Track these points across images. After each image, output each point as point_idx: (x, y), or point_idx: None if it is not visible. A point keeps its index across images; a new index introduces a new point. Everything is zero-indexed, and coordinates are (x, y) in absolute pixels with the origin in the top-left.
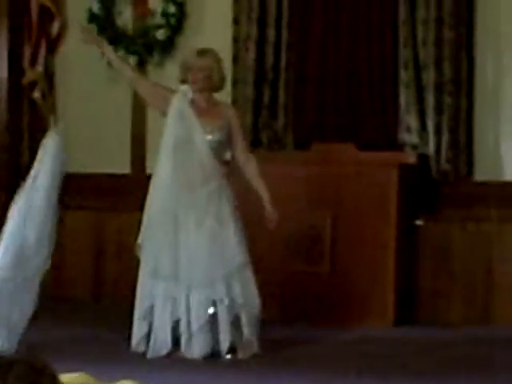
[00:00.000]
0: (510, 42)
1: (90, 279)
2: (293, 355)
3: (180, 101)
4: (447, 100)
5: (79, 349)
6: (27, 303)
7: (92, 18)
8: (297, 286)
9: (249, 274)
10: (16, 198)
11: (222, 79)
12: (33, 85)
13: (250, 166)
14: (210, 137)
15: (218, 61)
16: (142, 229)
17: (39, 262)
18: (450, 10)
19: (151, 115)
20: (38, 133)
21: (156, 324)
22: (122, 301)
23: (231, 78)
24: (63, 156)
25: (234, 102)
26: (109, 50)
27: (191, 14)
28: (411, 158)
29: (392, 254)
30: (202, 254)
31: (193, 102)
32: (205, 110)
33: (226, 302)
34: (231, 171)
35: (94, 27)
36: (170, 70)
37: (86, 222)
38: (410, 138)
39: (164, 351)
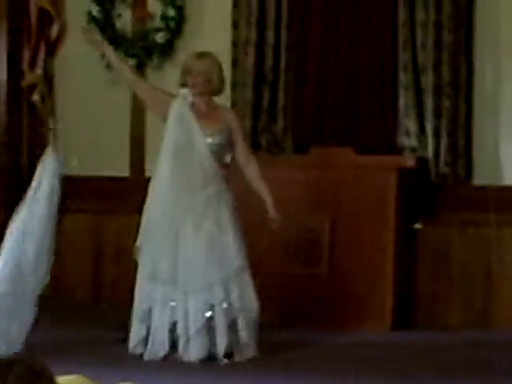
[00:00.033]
0: (509, 46)
1: (88, 282)
2: (291, 358)
3: (180, 104)
4: (446, 103)
5: (77, 351)
6: (26, 317)
7: (91, 20)
8: (295, 289)
9: (247, 278)
10: (15, 214)
11: (222, 82)
12: (32, 87)
13: (250, 168)
14: (210, 140)
15: (218, 64)
16: (141, 232)
17: (38, 277)
18: (450, 13)
19: (150, 118)
20: (37, 135)
21: (154, 327)
22: (120, 303)
23: (230, 81)
24: (60, 173)
25: (233, 105)
26: (109, 50)
27: (190, 18)
28: (410, 161)
29: (390, 258)
30: (199, 258)
31: (193, 106)
32: (205, 113)
33: (224, 306)
34: (231, 174)
35: (94, 27)
36: (170, 74)
37: (85, 225)
38: (409, 141)
39: (161, 353)
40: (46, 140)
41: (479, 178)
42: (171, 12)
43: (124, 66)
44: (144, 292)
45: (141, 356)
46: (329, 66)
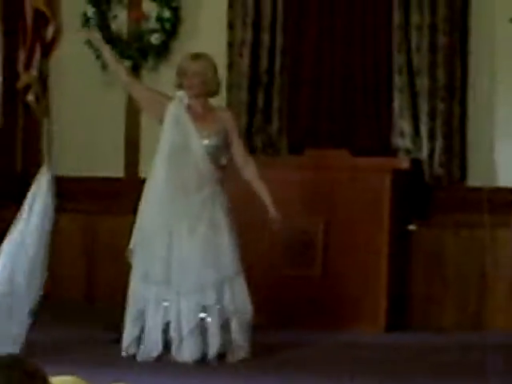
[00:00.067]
0: (503, 49)
1: (82, 282)
2: (284, 359)
3: (176, 107)
4: (441, 106)
5: (71, 351)
6: (26, 317)
7: (87, 22)
8: (289, 290)
9: (241, 281)
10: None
11: (217, 84)
12: (27, 88)
13: (248, 169)
14: (206, 142)
15: (213, 65)
16: (134, 233)
17: (31, 293)
18: (444, 15)
19: (145, 119)
20: (32, 136)
21: (147, 327)
22: (114, 303)
23: (226, 82)
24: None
25: (229, 106)
26: (106, 49)
27: (186, 19)
28: (404, 163)
29: (385, 259)
30: (194, 261)
31: (189, 108)
32: (201, 115)
33: (217, 308)
34: (227, 176)
35: (95, 28)
36: (165, 75)
37: (79, 225)
38: (404, 143)
39: (155, 354)
40: (40, 143)
41: (473, 180)
42: (166, 13)
43: (119, 67)
44: (137, 292)
45: (134, 356)
46: (324, 68)
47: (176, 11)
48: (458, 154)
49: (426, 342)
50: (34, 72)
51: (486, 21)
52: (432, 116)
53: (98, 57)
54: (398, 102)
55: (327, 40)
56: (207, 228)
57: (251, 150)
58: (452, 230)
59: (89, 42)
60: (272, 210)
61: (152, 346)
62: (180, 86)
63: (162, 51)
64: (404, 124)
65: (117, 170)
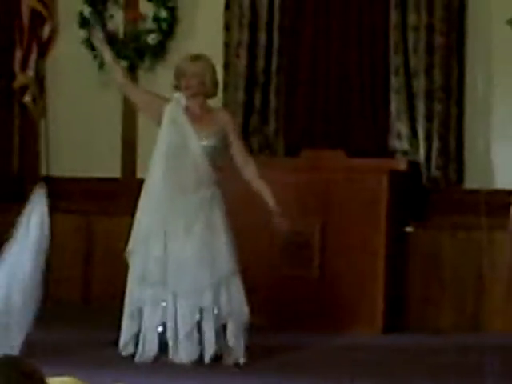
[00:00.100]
0: (500, 50)
1: (79, 282)
2: (281, 362)
3: (174, 108)
4: (437, 107)
5: (68, 352)
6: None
7: (83, 22)
8: (286, 291)
9: (237, 283)
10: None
11: (215, 85)
12: (24, 89)
13: (248, 169)
14: (204, 143)
15: (211, 66)
16: (132, 234)
17: (27, 311)
18: (441, 16)
19: (142, 119)
20: (28, 137)
21: (144, 328)
22: (110, 304)
23: (222, 83)
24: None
25: (225, 106)
26: (106, 50)
27: (183, 19)
28: (401, 164)
29: (381, 261)
30: (190, 261)
31: (187, 109)
32: (199, 116)
33: (213, 310)
34: (224, 177)
35: (99, 23)
36: (161, 75)
37: (75, 226)
38: (401, 144)
39: (152, 355)
40: (37, 144)
41: (470, 182)
42: (163, 13)
43: (118, 70)
44: (134, 293)
45: (132, 356)
46: (320, 68)
47: (173, 11)
48: (455, 156)
49: (424, 344)
50: (31, 72)
51: (482, 22)
52: (429, 117)
53: (95, 57)
54: (395, 103)
55: (324, 40)
56: (204, 228)
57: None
58: (449, 232)
59: (86, 42)
60: (275, 210)
61: (149, 347)
62: (177, 88)
63: (159, 51)
64: (401, 125)
65: (113, 171)
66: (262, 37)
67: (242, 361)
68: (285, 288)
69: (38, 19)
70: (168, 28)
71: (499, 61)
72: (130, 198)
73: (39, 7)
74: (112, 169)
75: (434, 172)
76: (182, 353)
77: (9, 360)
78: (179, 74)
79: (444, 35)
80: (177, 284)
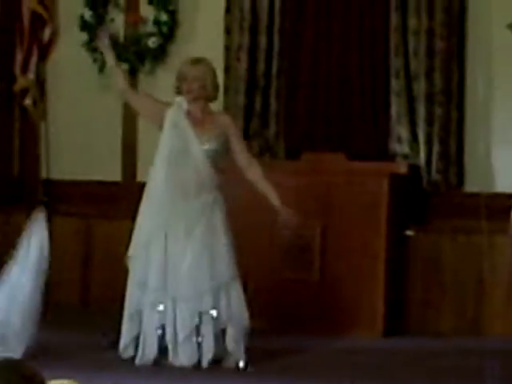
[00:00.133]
0: (500, 54)
1: (78, 285)
2: (281, 364)
3: (175, 112)
4: (438, 110)
5: (68, 355)
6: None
7: (84, 25)
8: (286, 294)
9: (237, 288)
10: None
11: (216, 89)
12: (24, 92)
13: (252, 170)
14: (206, 146)
15: (212, 70)
16: (133, 238)
17: (26, 332)
18: (442, 20)
19: (142, 123)
20: (28, 139)
21: (144, 331)
22: (110, 308)
23: (223, 86)
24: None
25: (226, 110)
26: (110, 55)
27: (183, 23)
28: (402, 168)
29: (382, 264)
30: (190, 266)
31: (188, 113)
32: (200, 120)
33: (212, 314)
34: (225, 180)
35: (107, 28)
36: (162, 78)
37: (75, 229)
38: (401, 148)
39: (152, 358)
40: (38, 147)
41: (471, 185)
42: (164, 17)
43: (120, 75)
44: (134, 297)
45: (132, 359)
46: (321, 71)
47: (173, 15)
48: (456, 159)
49: (424, 347)
50: (31, 75)
51: (483, 26)
52: (429, 121)
53: (95, 60)
54: (395, 106)
55: (324, 44)
56: (204, 231)
57: None
58: (449, 236)
59: (86, 45)
60: (281, 209)
61: (149, 350)
62: (179, 91)
63: (159, 55)
64: (401, 129)
65: (114, 174)
66: (263, 40)
67: (242, 364)
68: (285, 291)
69: (38, 22)
70: (168, 31)
71: (499, 64)
72: (130, 202)
73: (40, 10)
74: (112, 172)
75: (435, 175)
76: (182, 356)
77: (9, 363)
78: (180, 78)
79: (444, 39)
80: (176, 290)
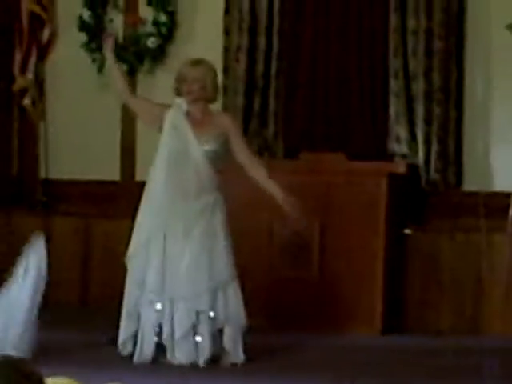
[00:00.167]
0: (499, 53)
1: (77, 284)
2: (280, 362)
3: (175, 113)
4: (436, 110)
5: (66, 353)
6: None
7: (82, 25)
8: (285, 293)
9: (235, 288)
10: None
11: (216, 90)
12: (23, 92)
13: (255, 169)
14: (206, 147)
15: (212, 71)
16: (133, 239)
17: (23, 346)
18: (441, 20)
19: (141, 122)
20: (27, 139)
21: (142, 329)
22: (108, 306)
23: (222, 87)
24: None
25: (225, 110)
26: (114, 60)
27: (182, 23)
28: (401, 167)
29: (380, 263)
30: (188, 266)
31: (188, 114)
32: (200, 120)
33: (210, 314)
34: (224, 181)
35: (114, 33)
36: (161, 79)
37: (74, 228)
38: (400, 147)
39: (150, 356)
40: (37, 147)
41: (469, 184)
42: (163, 17)
43: (121, 80)
44: (132, 296)
45: (130, 356)
46: (320, 72)
47: (172, 15)
48: (454, 159)
49: (422, 346)
50: (30, 75)
51: (481, 26)
52: (428, 121)
53: (94, 60)
54: (394, 106)
55: (323, 44)
56: (203, 232)
57: None
58: (448, 235)
59: (85, 45)
60: (285, 202)
61: (147, 348)
62: (178, 92)
63: (158, 55)
64: (400, 129)
65: (112, 173)
66: (262, 41)
67: (240, 362)
68: (284, 289)
69: (37, 22)
70: (167, 32)
71: (498, 64)
72: (129, 201)
73: (38, 10)
74: (111, 171)
75: (433, 175)
76: (179, 354)
77: (8, 361)
78: (180, 79)
79: (443, 39)
80: (174, 291)
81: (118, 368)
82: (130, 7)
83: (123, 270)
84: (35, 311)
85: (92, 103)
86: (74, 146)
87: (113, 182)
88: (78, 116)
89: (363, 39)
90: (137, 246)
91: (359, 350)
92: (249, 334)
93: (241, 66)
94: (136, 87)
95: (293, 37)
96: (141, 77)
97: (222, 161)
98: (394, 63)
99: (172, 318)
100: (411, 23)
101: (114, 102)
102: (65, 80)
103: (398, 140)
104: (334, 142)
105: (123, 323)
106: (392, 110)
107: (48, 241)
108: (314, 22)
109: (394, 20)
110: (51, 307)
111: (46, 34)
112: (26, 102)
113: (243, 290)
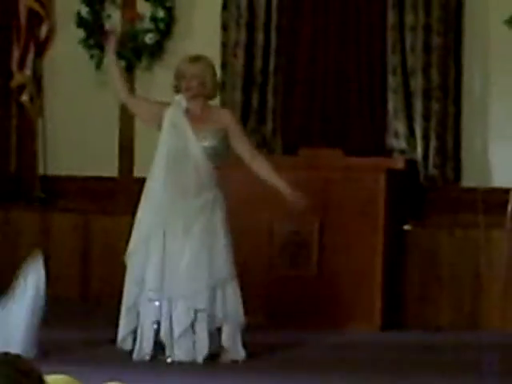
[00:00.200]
0: (497, 49)
1: (76, 280)
2: (279, 359)
3: (174, 111)
4: (435, 106)
5: (66, 350)
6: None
7: (80, 21)
8: (284, 290)
9: (234, 287)
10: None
11: (216, 86)
12: (21, 88)
13: (256, 163)
14: (205, 143)
15: (212, 68)
16: (133, 235)
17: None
18: (439, 16)
19: (139, 119)
20: (26, 135)
21: (141, 325)
22: (108, 302)
23: (220, 82)
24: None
25: (222, 106)
26: (115, 60)
27: (180, 19)
28: (399, 163)
29: (380, 259)
30: (188, 264)
31: (187, 111)
32: (199, 117)
33: (206, 314)
34: (223, 176)
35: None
36: (159, 75)
37: (73, 224)
38: (398, 143)
39: (149, 353)
40: (35, 143)
41: (468, 180)
42: (161, 13)
43: (119, 79)
44: (131, 293)
45: (130, 353)
46: (318, 68)
47: (170, 11)
48: (453, 154)
49: (422, 341)
50: (28, 72)
51: (479, 22)
52: (426, 116)
53: (92, 56)
54: (393, 102)
55: (321, 40)
56: (203, 229)
57: None
58: (447, 231)
59: (83, 42)
60: (290, 193)
61: (146, 345)
62: (177, 90)
63: (156, 51)
64: (398, 124)
65: (111, 170)
66: (260, 37)
67: (240, 359)
68: (283, 286)
69: (35, 19)
70: (165, 28)
71: (496, 60)
72: (128, 197)
73: (36, 7)
74: (109, 168)
75: (432, 170)
76: (178, 351)
77: (7, 358)
78: (179, 76)
79: (441, 35)
80: (173, 289)
81: (118, 366)
82: (128, 3)
83: (123, 266)
84: (34, 331)
85: (90, 99)
86: (72, 142)
87: (111, 179)
88: (76, 112)
89: (361, 35)
90: (137, 243)
91: (359, 346)
92: (248, 331)
93: (239, 62)
94: (134, 83)
95: (291, 33)
96: (139, 73)
97: (221, 157)
98: (392, 59)
99: (170, 317)
100: (409, 19)
101: (112, 98)
102: (63, 76)
103: (396, 135)
104: (333, 138)
105: (122, 320)
106: (390, 106)
107: (47, 237)
108: (312, 18)
109: (392, 16)
110: (51, 303)
111: (43, 30)
112: (24, 98)
113: (243, 287)
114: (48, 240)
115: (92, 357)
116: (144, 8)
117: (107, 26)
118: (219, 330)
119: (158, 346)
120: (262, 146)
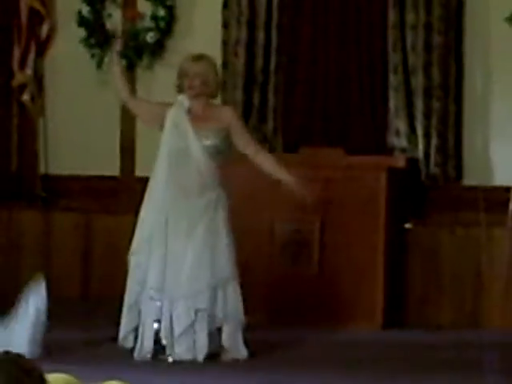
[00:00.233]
0: (498, 48)
1: (78, 280)
2: (280, 357)
3: (176, 111)
4: (436, 104)
5: (67, 348)
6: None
7: (81, 20)
8: (285, 288)
9: (235, 287)
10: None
11: (218, 85)
12: (22, 87)
13: (261, 157)
14: (207, 142)
15: (214, 67)
16: (137, 234)
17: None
18: (439, 15)
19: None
20: (27, 135)
21: (143, 324)
22: (109, 301)
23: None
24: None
25: (224, 104)
26: (119, 63)
27: (181, 18)
28: (400, 161)
29: (381, 258)
30: (191, 265)
31: (189, 111)
32: (201, 115)
33: (208, 312)
34: (225, 174)
35: (124, 35)
36: (160, 74)
37: (74, 223)
38: (399, 142)
39: (150, 352)
40: (36, 143)
41: (469, 179)
42: (161, 12)
43: (123, 82)
44: (133, 292)
45: (131, 351)
46: (319, 66)
47: (171, 10)
48: (454, 153)
49: (423, 340)
50: (29, 71)
51: (480, 20)
52: (427, 115)
53: (93, 55)
54: (394, 100)
55: (322, 39)
56: (206, 229)
57: None
58: (448, 229)
59: (84, 41)
60: (293, 184)
61: (147, 344)
62: (180, 89)
63: (157, 50)
64: (399, 123)
65: (112, 169)
66: (261, 35)
67: (241, 357)
68: (285, 285)
69: (36, 18)
70: (166, 26)
71: (497, 58)
72: (130, 196)
73: (37, 6)
74: (111, 167)
75: (433, 169)
76: (179, 351)
77: (8, 357)
78: (182, 74)
79: (442, 33)
80: (175, 290)
81: (118, 365)
82: (129, 2)
83: (124, 265)
84: (35, 354)
85: (91, 98)
86: (74, 141)
87: (113, 178)
88: (77, 111)
89: (362, 34)
90: (140, 242)
91: (360, 344)
92: (249, 330)
93: (240, 61)
94: (135, 82)
95: (292, 31)
96: (140, 72)
97: (223, 156)
98: (393, 58)
99: (171, 316)
100: (410, 18)
101: (114, 97)
102: (64, 75)
103: (397, 134)
104: (334, 137)
105: (124, 318)
106: (391, 104)
107: (49, 236)
108: (313, 16)
109: (392, 15)
110: (52, 302)
111: (44, 29)
112: (25, 97)
113: (244, 286)
114: (50, 239)
115: (93, 356)
116: (145, 7)
117: (112, 27)
118: (219, 329)
119: (159, 345)
120: (263, 144)
